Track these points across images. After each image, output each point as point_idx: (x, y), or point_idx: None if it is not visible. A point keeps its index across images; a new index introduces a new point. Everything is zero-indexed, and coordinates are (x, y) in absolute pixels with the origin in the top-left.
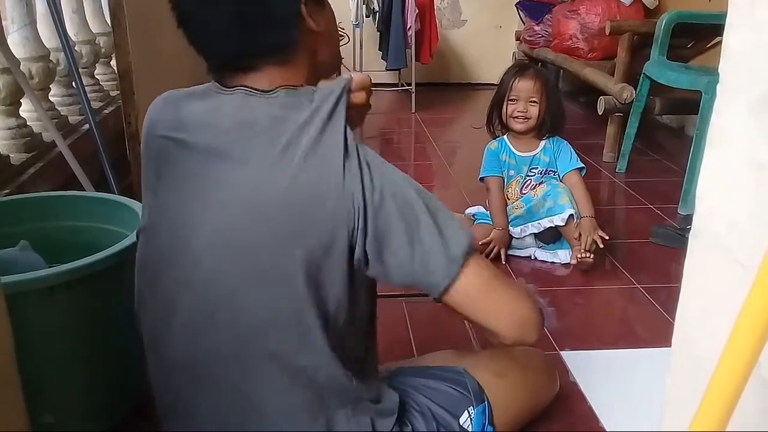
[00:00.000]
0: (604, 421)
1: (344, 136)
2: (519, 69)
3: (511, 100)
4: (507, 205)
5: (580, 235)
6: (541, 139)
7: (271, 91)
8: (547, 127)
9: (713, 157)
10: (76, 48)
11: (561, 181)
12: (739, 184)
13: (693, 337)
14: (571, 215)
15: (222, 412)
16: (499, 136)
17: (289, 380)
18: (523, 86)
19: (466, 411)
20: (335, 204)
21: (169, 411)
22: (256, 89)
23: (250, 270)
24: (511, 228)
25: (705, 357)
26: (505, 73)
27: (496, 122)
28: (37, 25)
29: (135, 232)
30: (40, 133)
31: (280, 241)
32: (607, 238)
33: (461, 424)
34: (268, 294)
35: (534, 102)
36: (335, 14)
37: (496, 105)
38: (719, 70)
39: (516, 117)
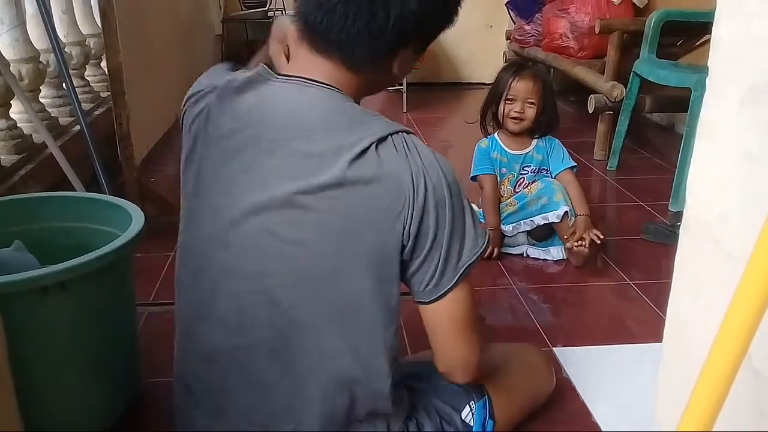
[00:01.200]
0: (598, 416)
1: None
2: (518, 68)
3: (508, 99)
4: (500, 203)
5: (574, 233)
6: (533, 138)
7: (326, 84)
8: (541, 128)
9: (703, 150)
10: (66, 49)
11: (554, 179)
12: (730, 176)
13: (684, 330)
14: (566, 212)
15: (251, 406)
16: (492, 133)
17: (331, 385)
18: (522, 87)
19: (467, 405)
20: (389, 198)
21: (191, 402)
22: (311, 80)
23: (298, 261)
24: (503, 226)
25: (696, 349)
26: (502, 71)
27: (490, 120)
28: (27, 27)
29: (133, 235)
30: (31, 134)
31: (335, 234)
32: (602, 237)
33: (463, 418)
34: (319, 290)
35: (531, 103)
36: None
37: (492, 102)
38: (709, 63)
39: (513, 117)
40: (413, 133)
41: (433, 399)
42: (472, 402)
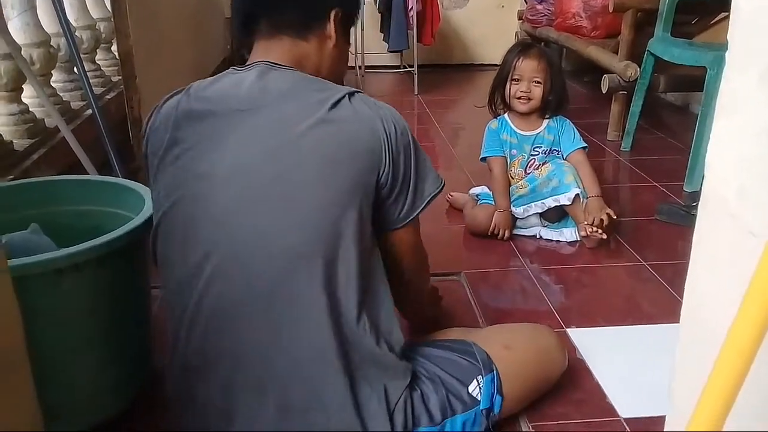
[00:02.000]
0: (612, 397)
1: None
2: (522, 48)
3: (514, 79)
4: (510, 185)
5: (588, 215)
6: (544, 118)
7: (286, 66)
8: (551, 107)
9: (722, 125)
10: (76, 33)
11: (565, 160)
12: (749, 152)
13: (702, 308)
14: (578, 195)
15: (248, 358)
16: (501, 114)
17: (323, 323)
18: (527, 66)
19: (474, 380)
20: (368, 137)
21: (189, 371)
22: (274, 63)
23: (285, 201)
24: (514, 208)
25: (714, 328)
26: (508, 52)
27: (499, 101)
28: (37, 11)
29: (147, 217)
30: (43, 119)
31: (323, 170)
32: (615, 217)
33: (470, 392)
34: (312, 223)
35: (538, 82)
36: None
37: (499, 84)
38: (728, 38)
39: (519, 97)
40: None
41: (440, 371)
42: (480, 376)
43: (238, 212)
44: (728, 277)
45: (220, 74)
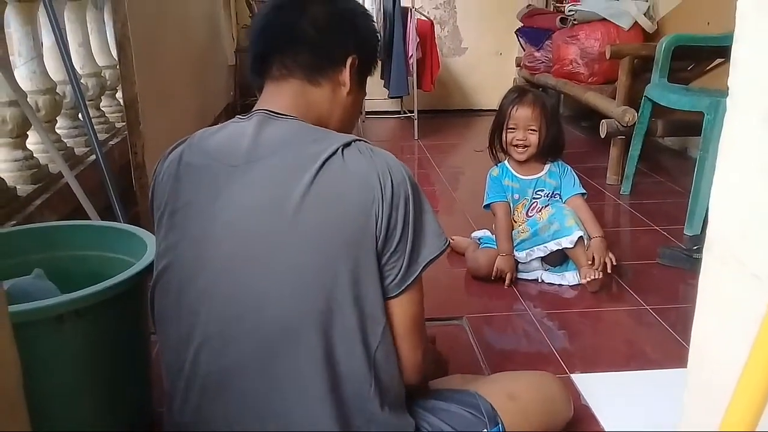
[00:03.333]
0: None
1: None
2: (517, 95)
3: (510, 128)
4: (513, 230)
5: (593, 257)
6: (544, 163)
7: (287, 115)
8: (548, 151)
9: (724, 169)
10: (82, 81)
11: (564, 204)
12: (752, 195)
13: (709, 352)
14: (581, 237)
15: (242, 424)
16: (501, 161)
17: (323, 396)
18: (522, 114)
19: None
20: (359, 195)
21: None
22: (273, 112)
23: (279, 266)
24: (516, 253)
25: (722, 373)
26: (503, 98)
27: (498, 147)
28: (44, 59)
29: (148, 262)
30: (47, 164)
31: (311, 234)
32: (614, 263)
33: None
34: (302, 291)
35: (533, 130)
36: None
37: (496, 130)
38: (728, 83)
39: (516, 145)
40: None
41: (444, 426)
42: (485, 430)
43: (225, 281)
44: (734, 321)
45: (225, 123)
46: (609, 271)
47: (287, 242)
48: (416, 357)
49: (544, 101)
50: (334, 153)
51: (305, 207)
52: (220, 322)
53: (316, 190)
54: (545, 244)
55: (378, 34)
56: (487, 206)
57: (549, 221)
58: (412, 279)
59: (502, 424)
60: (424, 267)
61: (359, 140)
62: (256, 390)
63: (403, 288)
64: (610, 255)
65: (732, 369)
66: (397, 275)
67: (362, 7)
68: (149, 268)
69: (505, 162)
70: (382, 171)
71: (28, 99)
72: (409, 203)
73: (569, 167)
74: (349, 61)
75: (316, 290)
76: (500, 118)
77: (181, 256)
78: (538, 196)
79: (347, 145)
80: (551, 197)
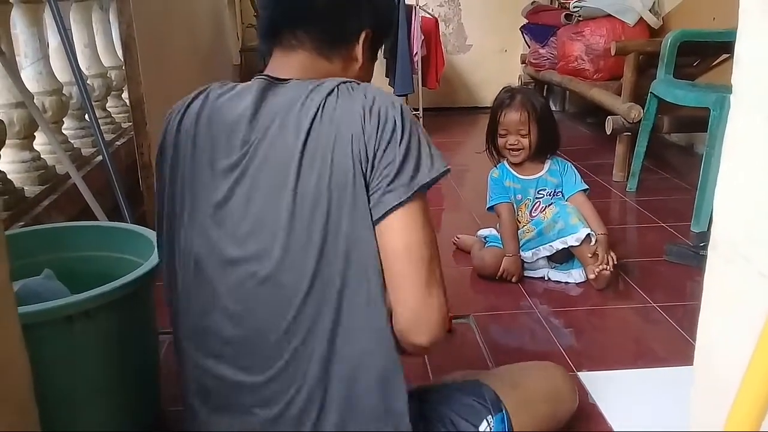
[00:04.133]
0: None
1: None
2: (506, 99)
3: (501, 134)
4: (518, 230)
5: (595, 252)
6: (544, 161)
7: (288, 80)
8: (544, 149)
9: (729, 168)
10: (88, 81)
11: (566, 202)
12: (757, 193)
13: (715, 349)
14: (588, 235)
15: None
16: (500, 161)
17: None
18: (511, 119)
19: (485, 420)
20: (342, 141)
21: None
22: (274, 78)
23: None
24: (522, 253)
25: (728, 370)
26: (494, 101)
27: (495, 149)
28: (50, 60)
29: (157, 263)
30: (54, 165)
31: (311, 204)
32: (615, 261)
33: None
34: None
35: (524, 134)
36: None
37: (491, 135)
38: (732, 81)
39: (509, 149)
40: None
41: (449, 413)
42: (490, 417)
43: (243, 245)
44: (740, 319)
45: (235, 86)
46: (611, 268)
47: (294, 217)
48: (425, 303)
49: (533, 102)
50: (321, 105)
51: (301, 182)
52: (238, 292)
53: (307, 161)
54: (551, 243)
55: (395, 7)
56: (491, 208)
57: (553, 220)
58: (401, 200)
59: (506, 412)
60: (415, 191)
61: (346, 82)
62: (276, 357)
63: (389, 208)
64: (612, 254)
65: (738, 366)
66: (381, 194)
67: None
68: (157, 268)
69: (505, 163)
70: (363, 104)
71: (34, 100)
72: (396, 131)
73: (569, 163)
74: (362, 36)
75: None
76: (492, 124)
77: (197, 228)
78: (541, 196)
79: (331, 92)
80: (554, 195)
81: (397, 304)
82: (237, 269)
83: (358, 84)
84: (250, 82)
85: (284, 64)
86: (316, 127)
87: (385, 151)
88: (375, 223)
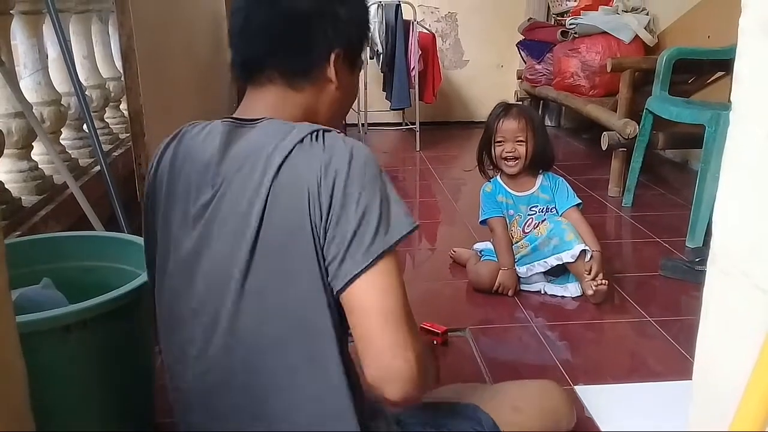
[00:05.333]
0: None
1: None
2: (503, 109)
3: (498, 142)
4: (512, 245)
5: (590, 269)
6: (536, 177)
7: (257, 120)
8: (537, 163)
9: (728, 183)
10: (86, 92)
11: (560, 217)
12: (757, 208)
13: (714, 364)
14: (583, 251)
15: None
16: (492, 177)
17: (303, 397)
18: (508, 127)
19: None
20: (299, 196)
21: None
22: (241, 120)
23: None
24: (517, 268)
25: (727, 384)
26: (490, 115)
27: (488, 163)
28: (49, 71)
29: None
30: (51, 175)
31: (272, 257)
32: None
33: None
34: (288, 297)
35: (521, 141)
36: None
37: (485, 147)
38: (731, 98)
39: (505, 158)
40: (332, 131)
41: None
42: None
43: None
44: (740, 335)
45: (207, 126)
46: (604, 283)
47: (255, 269)
48: (394, 356)
49: (529, 113)
50: (287, 156)
51: (264, 234)
52: (199, 340)
53: (269, 215)
54: (546, 260)
55: (366, 13)
56: (483, 222)
57: (548, 236)
58: (365, 266)
59: None
60: (377, 256)
61: (314, 132)
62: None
63: (354, 275)
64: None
65: (737, 381)
66: (341, 262)
67: None
68: None
69: (497, 178)
70: (321, 160)
71: (33, 110)
72: (353, 187)
73: (561, 179)
74: (332, 57)
75: (282, 299)
76: (488, 134)
77: (167, 275)
78: (533, 212)
79: (301, 141)
80: (546, 212)
81: (367, 364)
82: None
83: (324, 134)
84: (218, 123)
85: (256, 101)
86: (279, 179)
87: (339, 214)
88: (338, 293)
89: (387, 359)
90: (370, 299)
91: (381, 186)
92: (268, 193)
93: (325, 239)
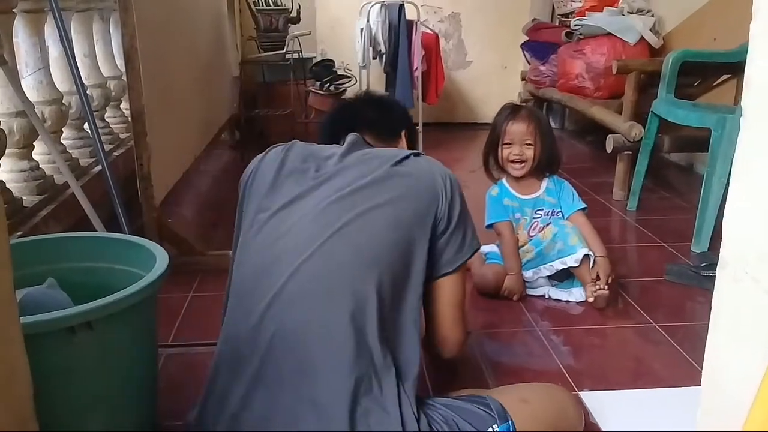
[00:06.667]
0: None
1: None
2: (511, 111)
3: (506, 144)
4: (519, 249)
5: (597, 275)
6: (542, 180)
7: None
8: (544, 166)
9: (738, 188)
10: (87, 91)
11: (566, 221)
12: (766, 214)
13: (723, 370)
14: (586, 255)
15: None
16: (498, 179)
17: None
18: (517, 129)
19: (490, 428)
20: (428, 185)
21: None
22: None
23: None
24: (524, 272)
25: (735, 391)
26: (497, 116)
27: (494, 165)
28: (51, 69)
29: (159, 274)
30: (52, 175)
31: (385, 212)
32: (609, 282)
33: None
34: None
35: (529, 144)
36: (343, 55)
37: (491, 149)
38: (741, 104)
39: (512, 161)
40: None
41: (455, 417)
42: (495, 425)
43: (305, 249)
44: (750, 340)
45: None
46: (607, 288)
47: (362, 220)
48: (459, 332)
49: (538, 115)
50: (406, 157)
51: (381, 185)
52: (300, 281)
53: (390, 179)
54: (551, 263)
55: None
56: (490, 226)
57: (553, 240)
58: (464, 260)
59: (512, 423)
60: (472, 253)
61: (422, 153)
62: (311, 352)
63: (455, 267)
64: (613, 276)
65: (747, 386)
66: (450, 253)
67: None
68: (160, 279)
69: (503, 180)
70: (443, 174)
71: (34, 109)
72: (461, 201)
73: (566, 182)
74: (403, 133)
75: (393, 256)
76: (495, 135)
77: (268, 240)
78: (538, 216)
79: (416, 154)
80: (552, 215)
81: (442, 334)
82: None
83: (433, 159)
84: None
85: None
86: (401, 165)
87: (457, 219)
88: (434, 276)
89: (452, 334)
90: (450, 292)
91: (465, 203)
92: (389, 168)
93: (444, 228)
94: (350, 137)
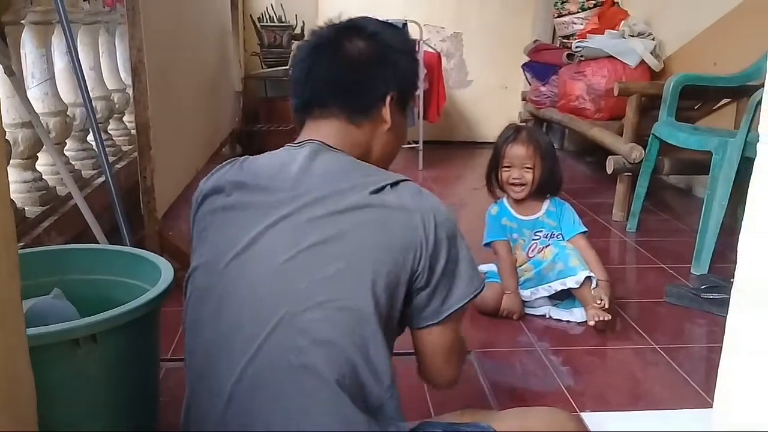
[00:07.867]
0: None
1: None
2: (512, 134)
3: (505, 167)
4: (516, 268)
5: (600, 299)
6: (542, 201)
7: (338, 149)
8: (545, 188)
9: (754, 214)
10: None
11: (567, 243)
12: None
13: (736, 393)
14: (588, 277)
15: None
16: (500, 197)
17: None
18: (516, 153)
19: None
20: (403, 230)
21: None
22: (326, 143)
23: (317, 274)
24: (521, 291)
25: (750, 414)
26: (498, 137)
27: (496, 185)
28: (56, 81)
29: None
30: (54, 186)
31: (357, 246)
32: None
33: None
34: (338, 298)
35: (528, 168)
36: None
37: (492, 170)
38: (759, 130)
39: (512, 184)
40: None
41: None
42: None
43: (268, 286)
44: (764, 362)
45: (275, 151)
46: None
47: (332, 257)
48: (450, 373)
49: (538, 138)
50: (383, 188)
51: (354, 226)
52: (256, 324)
53: (367, 213)
54: (550, 284)
55: (417, 65)
56: (487, 245)
57: (553, 261)
58: (445, 315)
59: None
60: (461, 306)
61: (408, 180)
62: (288, 393)
63: (440, 319)
64: (612, 299)
65: (760, 415)
66: (433, 310)
67: (402, 40)
68: (165, 293)
69: (503, 200)
70: (426, 214)
71: (40, 120)
72: (450, 245)
73: (566, 204)
74: (388, 99)
75: (345, 299)
76: (495, 157)
77: (221, 268)
78: (537, 237)
79: (396, 183)
80: (551, 237)
81: (430, 374)
82: None
83: (419, 187)
84: (293, 145)
85: (320, 129)
86: (375, 199)
87: (440, 271)
88: (421, 328)
89: (441, 375)
90: (439, 343)
91: (463, 247)
92: (359, 203)
93: (423, 281)
94: (309, 145)
